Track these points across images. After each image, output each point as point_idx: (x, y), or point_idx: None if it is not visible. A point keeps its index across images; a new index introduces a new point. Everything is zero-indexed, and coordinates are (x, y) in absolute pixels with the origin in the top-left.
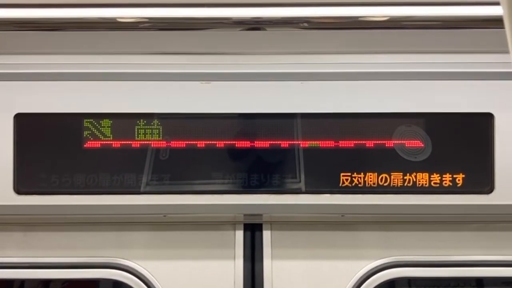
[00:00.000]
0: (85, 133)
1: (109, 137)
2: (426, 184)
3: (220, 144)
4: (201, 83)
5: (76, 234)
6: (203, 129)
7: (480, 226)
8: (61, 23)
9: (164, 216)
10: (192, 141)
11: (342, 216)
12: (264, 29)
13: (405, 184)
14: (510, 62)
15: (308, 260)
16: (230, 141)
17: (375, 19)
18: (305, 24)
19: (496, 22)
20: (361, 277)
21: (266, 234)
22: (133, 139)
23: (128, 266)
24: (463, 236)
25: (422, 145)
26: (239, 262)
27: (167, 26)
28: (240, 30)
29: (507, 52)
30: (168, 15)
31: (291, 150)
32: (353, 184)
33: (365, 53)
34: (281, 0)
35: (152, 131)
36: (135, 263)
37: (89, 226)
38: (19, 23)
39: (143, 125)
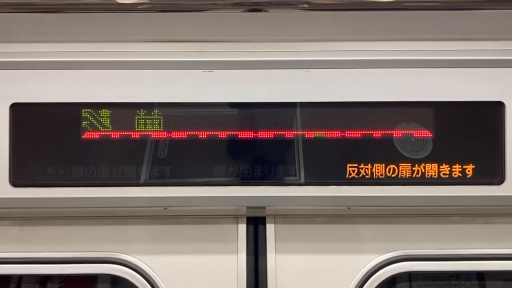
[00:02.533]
0: (83, 123)
1: (108, 127)
2: (435, 175)
3: (222, 134)
4: (204, 71)
5: (74, 228)
6: (205, 119)
7: (488, 219)
8: (59, 5)
9: (165, 209)
10: (193, 131)
11: (349, 208)
12: (265, 11)
13: (414, 175)
14: None
15: (312, 254)
16: (233, 131)
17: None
18: (305, 5)
19: (508, 3)
20: (368, 271)
21: (270, 228)
22: (133, 129)
23: (128, 261)
24: (471, 229)
25: (431, 134)
26: (242, 256)
27: (167, 8)
28: (241, 12)
29: None
30: None
31: (295, 140)
32: (360, 176)
33: (371, 40)
34: None
35: (152, 121)
36: (135, 257)
37: (87, 220)
38: (13, 4)
39: (143, 115)
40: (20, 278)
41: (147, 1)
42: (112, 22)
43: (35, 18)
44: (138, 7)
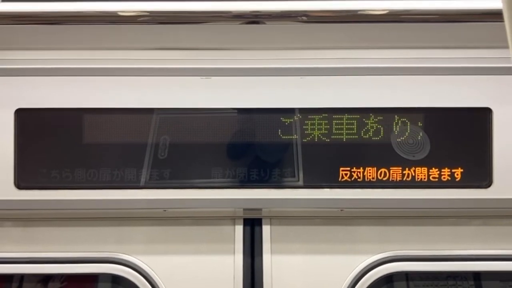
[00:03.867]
0: (85, 128)
1: (109, 132)
2: (425, 178)
3: (220, 139)
4: (202, 78)
5: (77, 229)
6: (203, 124)
7: (478, 221)
8: (62, 16)
9: (165, 210)
10: (192, 136)
11: (342, 210)
12: (263, 23)
13: (404, 179)
14: (509, 57)
15: (307, 255)
16: (230, 136)
17: (374, 12)
18: (304, 18)
19: (495, 16)
20: (360, 271)
21: (266, 229)
22: (133, 134)
23: (128, 261)
24: (462, 231)
25: (421, 139)
26: (239, 257)
27: (167, 20)
28: (240, 24)
29: (506, 47)
30: (168, 8)
31: (290, 144)
32: (352, 179)
33: (364, 48)
34: None
35: (152, 126)
36: (135, 258)
37: (90, 221)
38: (18, 17)
39: (143, 120)
40: (22, 277)
41: (147, 13)
42: (114, 32)
43: (39, 28)
44: (139, 19)
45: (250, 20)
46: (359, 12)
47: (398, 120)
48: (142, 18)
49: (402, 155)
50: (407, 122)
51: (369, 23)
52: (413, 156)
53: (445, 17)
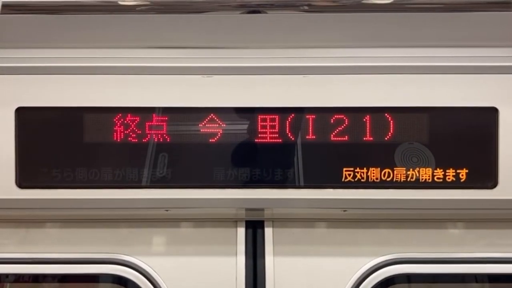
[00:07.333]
0: (87, 127)
1: (111, 131)
2: (429, 179)
3: (222, 138)
4: (203, 77)
5: (79, 230)
6: (205, 123)
7: (483, 223)
8: (62, 6)
9: (167, 210)
10: (194, 135)
11: (344, 211)
12: (264, 12)
13: (408, 179)
14: None
15: (309, 257)
16: (232, 135)
17: (378, 1)
18: (305, 7)
19: (501, 5)
20: (363, 273)
21: (268, 231)
22: (134, 133)
23: (130, 262)
24: (466, 233)
25: (426, 139)
26: (241, 259)
27: (167, 10)
28: (241, 14)
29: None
30: None
31: (293, 144)
32: (355, 179)
33: (368, 47)
34: None
35: (153, 125)
36: (137, 259)
37: (92, 223)
38: (12, 6)
39: (144, 119)
40: (26, 279)
41: (148, 3)
42: (114, 27)
43: (37, 22)
44: (137, 9)
45: (252, 9)
46: (362, 1)
47: (402, 119)
48: (140, 8)
49: (406, 155)
50: (412, 121)
51: (373, 13)
52: (411, 158)
53: (454, 6)
